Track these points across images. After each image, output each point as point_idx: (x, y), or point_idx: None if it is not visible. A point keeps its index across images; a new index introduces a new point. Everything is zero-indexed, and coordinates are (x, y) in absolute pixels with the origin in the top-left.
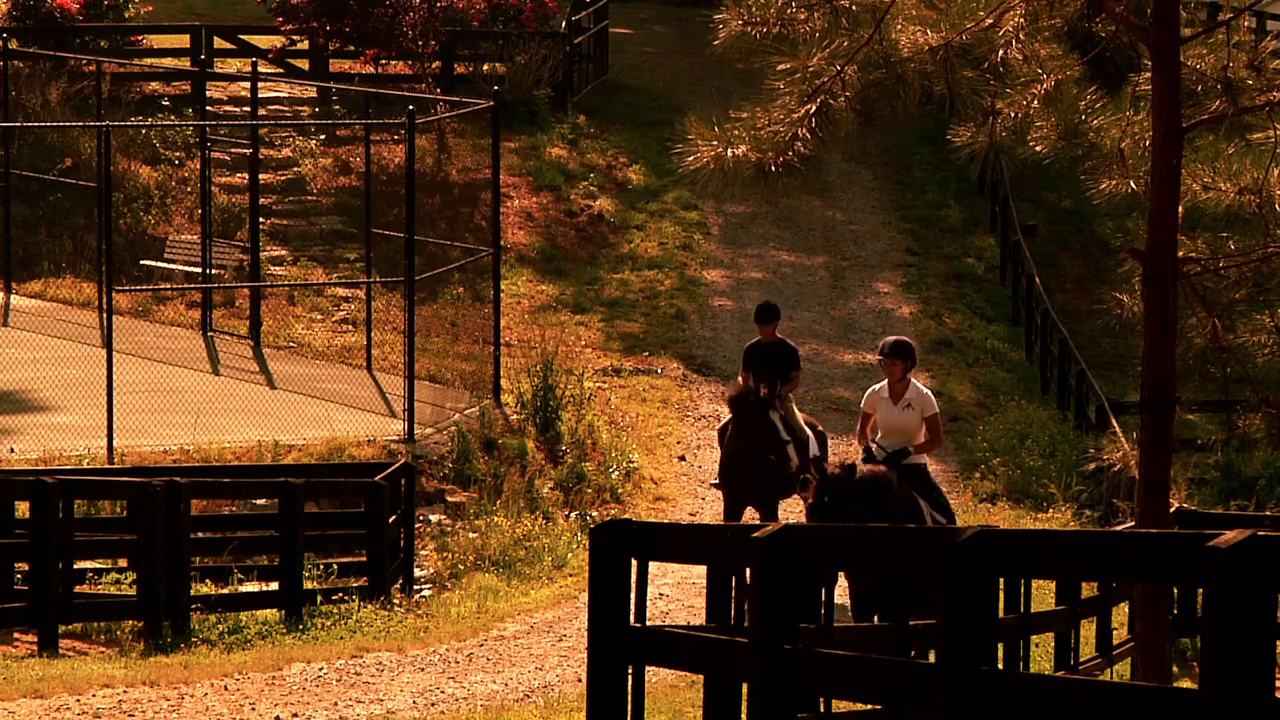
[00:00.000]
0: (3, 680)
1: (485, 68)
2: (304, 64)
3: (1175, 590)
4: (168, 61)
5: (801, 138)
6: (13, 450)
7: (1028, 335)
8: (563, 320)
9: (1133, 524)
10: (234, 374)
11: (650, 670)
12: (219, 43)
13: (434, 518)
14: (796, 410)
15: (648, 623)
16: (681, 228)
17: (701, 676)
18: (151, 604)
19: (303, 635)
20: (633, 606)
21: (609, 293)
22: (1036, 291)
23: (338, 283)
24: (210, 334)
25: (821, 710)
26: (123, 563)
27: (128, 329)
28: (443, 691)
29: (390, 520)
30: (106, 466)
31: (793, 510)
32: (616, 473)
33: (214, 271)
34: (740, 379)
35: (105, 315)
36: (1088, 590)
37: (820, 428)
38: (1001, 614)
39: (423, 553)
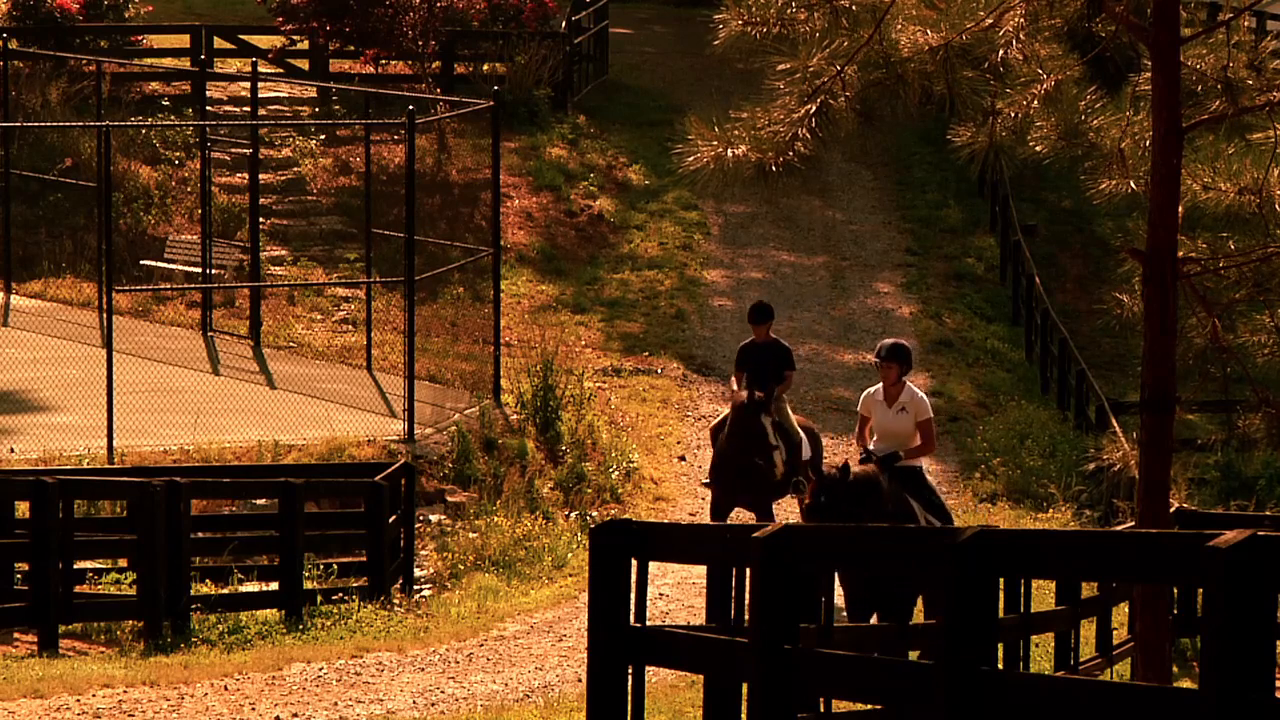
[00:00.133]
0: (3, 680)
1: (485, 68)
2: (304, 64)
3: (1175, 590)
4: (168, 61)
5: (801, 138)
6: (13, 450)
7: (1028, 335)
8: (563, 320)
9: (1133, 524)
10: (234, 374)
11: (650, 670)
12: (219, 43)
13: (434, 518)
14: (790, 412)
15: (648, 623)
16: (681, 228)
17: (701, 676)
18: (151, 604)
19: (303, 635)
20: (633, 606)
21: (609, 293)
22: (1036, 291)
23: (338, 283)
24: (210, 334)
25: (821, 710)
26: (123, 563)
27: (128, 329)
28: (443, 691)
29: (390, 520)
30: (106, 466)
31: (791, 511)
32: (616, 473)
33: (214, 271)
34: (734, 380)
35: (105, 315)
36: (1088, 590)
37: (814, 428)
38: (1001, 614)
39: (423, 553)
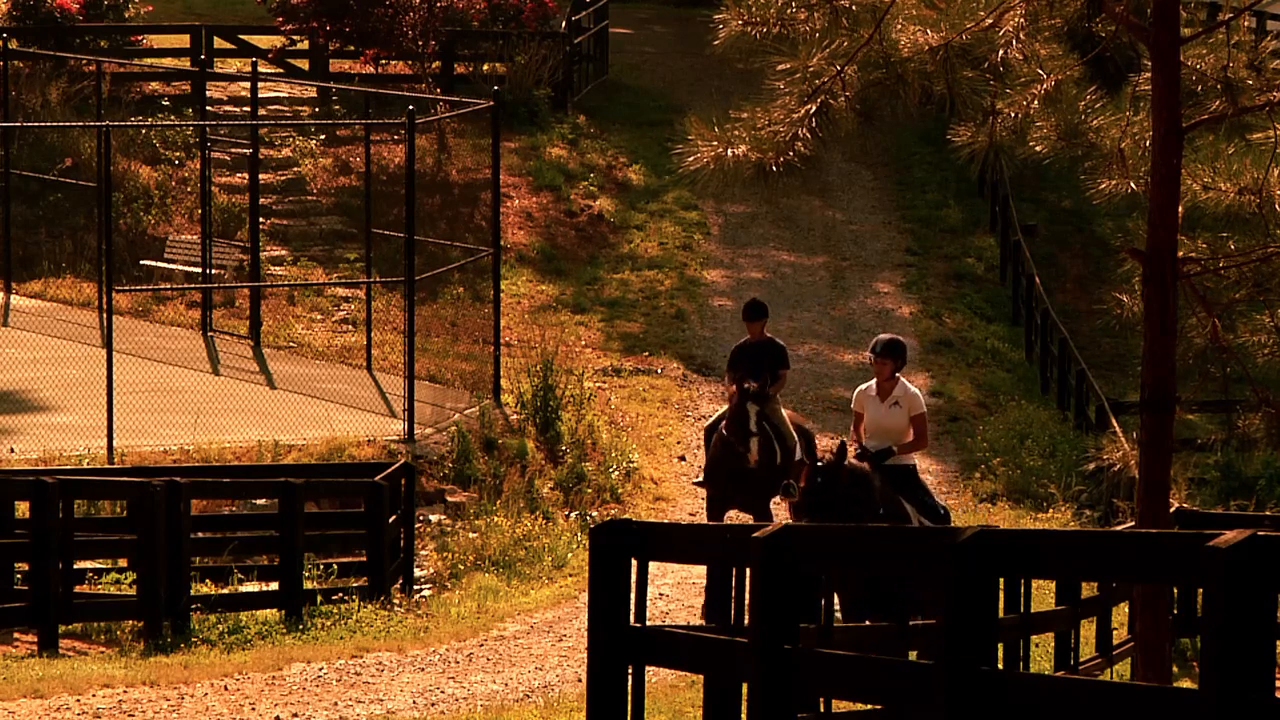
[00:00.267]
0: (3, 680)
1: (485, 68)
2: (304, 64)
3: (1175, 590)
4: (168, 61)
5: (801, 138)
6: (13, 450)
7: (1028, 335)
8: (563, 320)
9: (1133, 524)
10: (234, 374)
11: (650, 670)
12: (219, 43)
13: (434, 518)
14: (784, 413)
15: (648, 623)
16: (681, 228)
17: (701, 676)
18: (151, 604)
19: (303, 635)
20: (633, 606)
21: (609, 293)
22: (1036, 291)
23: (338, 283)
24: (210, 334)
25: (821, 710)
26: (123, 563)
27: (128, 329)
28: (443, 691)
29: (390, 520)
30: (106, 466)
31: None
32: (616, 473)
33: (214, 271)
34: (727, 379)
35: (105, 315)
36: (1088, 590)
37: (807, 426)
38: (1001, 614)
39: (423, 553)
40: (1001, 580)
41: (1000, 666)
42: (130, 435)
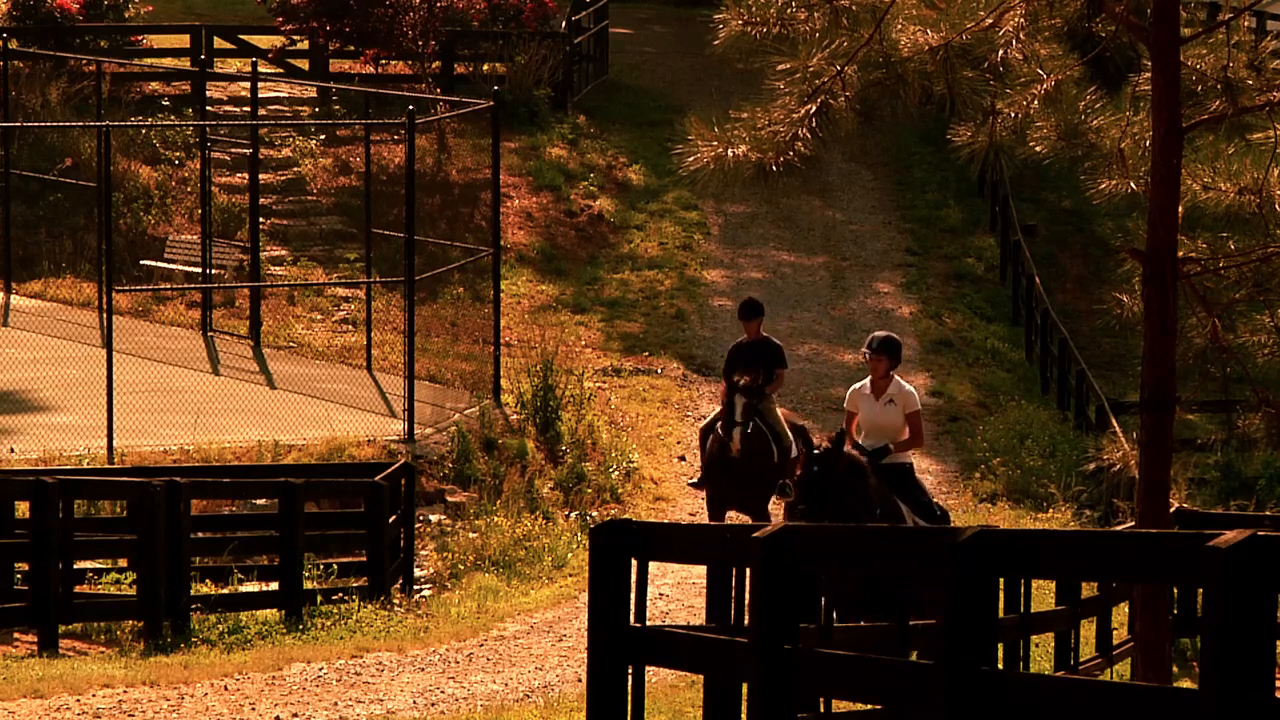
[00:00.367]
0: (3, 680)
1: (485, 68)
2: (304, 64)
3: (1175, 590)
4: (168, 61)
5: (801, 138)
6: (13, 450)
7: (1028, 335)
8: (563, 320)
9: (1133, 524)
10: (234, 374)
11: (650, 670)
12: (219, 43)
13: (434, 518)
14: (779, 413)
15: (648, 623)
16: (681, 228)
17: (701, 676)
18: (151, 604)
19: (303, 635)
20: (633, 606)
21: (609, 293)
22: (1036, 291)
23: (338, 283)
24: (210, 334)
25: (821, 710)
26: (123, 563)
27: (128, 329)
28: (443, 691)
29: (390, 520)
30: (106, 466)
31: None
32: (616, 473)
33: (214, 271)
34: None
35: (105, 315)
36: (1088, 590)
37: (803, 425)
38: (1001, 614)
39: (423, 553)
40: (1001, 580)
41: (1000, 666)
42: (130, 435)
